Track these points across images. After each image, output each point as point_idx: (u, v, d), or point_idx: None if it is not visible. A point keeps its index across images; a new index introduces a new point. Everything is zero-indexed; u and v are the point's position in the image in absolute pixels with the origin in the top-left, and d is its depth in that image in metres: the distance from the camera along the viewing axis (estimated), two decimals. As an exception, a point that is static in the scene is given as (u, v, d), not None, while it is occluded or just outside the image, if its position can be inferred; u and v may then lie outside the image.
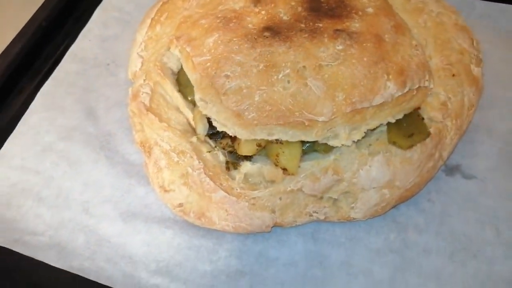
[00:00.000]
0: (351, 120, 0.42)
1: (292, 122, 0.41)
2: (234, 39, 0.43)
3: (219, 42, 0.43)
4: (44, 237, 0.45)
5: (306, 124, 0.41)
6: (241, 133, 0.42)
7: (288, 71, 0.42)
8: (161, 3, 0.55)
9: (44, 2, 0.58)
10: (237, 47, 0.42)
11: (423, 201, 0.48)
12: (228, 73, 0.42)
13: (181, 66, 0.51)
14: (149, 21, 0.54)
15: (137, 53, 0.53)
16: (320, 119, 0.41)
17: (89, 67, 0.57)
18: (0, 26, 0.62)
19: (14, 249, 0.44)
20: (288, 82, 0.41)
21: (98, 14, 0.61)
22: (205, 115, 0.47)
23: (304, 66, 0.42)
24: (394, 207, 0.46)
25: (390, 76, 0.43)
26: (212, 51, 0.43)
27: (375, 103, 0.42)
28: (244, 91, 0.41)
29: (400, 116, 0.44)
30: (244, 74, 0.41)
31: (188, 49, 0.44)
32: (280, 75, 0.41)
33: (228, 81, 0.41)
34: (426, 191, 0.48)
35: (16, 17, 0.62)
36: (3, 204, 0.47)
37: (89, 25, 0.60)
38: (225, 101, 0.42)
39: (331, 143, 0.43)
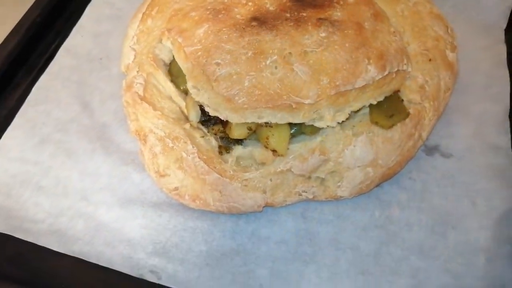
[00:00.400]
0: (335, 102, 0.45)
1: (280, 105, 0.43)
2: (223, 29, 0.45)
3: (209, 32, 0.45)
4: (44, 224, 0.47)
5: (294, 106, 0.44)
6: (232, 117, 0.45)
7: (275, 57, 0.44)
8: (151, -2, 0.57)
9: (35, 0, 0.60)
10: (226, 36, 0.45)
11: (405, 180, 0.51)
12: (219, 61, 0.44)
13: (173, 57, 0.53)
14: (140, 15, 0.56)
15: (130, 46, 0.55)
16: (307, 101, 0.44)
17: (82, 62, 0.59)
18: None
19: (15, 235, 0.45)
20: (276, 68, 0.44)
21: (90, 10, 0.63)
22: (197, 102, 0.49)
23: (290, 53, 0.44)
24: (378, 185, 0.49)
25: (371, 61, 0.46)
26: (203, 41, 0.45)
27: (357, 86, 0.45)
28: (234, 77, 0.43)
29: (381, 98, 0.47)
30: (234, 61, 0.44)
31: (179, 40, 0.46)
32: (268, 61, 0.44)
33: (219, 68, 0.44)
34: (407, 170, 0.51)
35: (10, 14, 0.63)
36: (3, 194, 0.49)
37: (81, 21, 0.61)
38: (216, 87, 0.44)
39: (317, 124, 0.46)
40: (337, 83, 0.44)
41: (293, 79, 0.44)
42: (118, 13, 0.63)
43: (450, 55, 0.55)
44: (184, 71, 0.47)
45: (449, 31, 0.56)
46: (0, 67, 0.55)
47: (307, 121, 0.45)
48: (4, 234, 0.45)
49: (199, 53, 0.45)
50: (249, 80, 0.44)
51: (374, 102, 0.47)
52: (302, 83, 0.44)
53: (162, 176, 0.48)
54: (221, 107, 0.45)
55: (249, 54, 0.44)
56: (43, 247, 0.45)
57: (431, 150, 0.53)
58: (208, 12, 0.47)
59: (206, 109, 0.46)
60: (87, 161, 0.51)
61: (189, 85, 0.46)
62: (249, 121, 0.45)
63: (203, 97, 0.46)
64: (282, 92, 0.43)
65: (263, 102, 0.43)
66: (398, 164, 0.49)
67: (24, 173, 0.50)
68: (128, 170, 0.50)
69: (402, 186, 0.50)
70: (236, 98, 0.44)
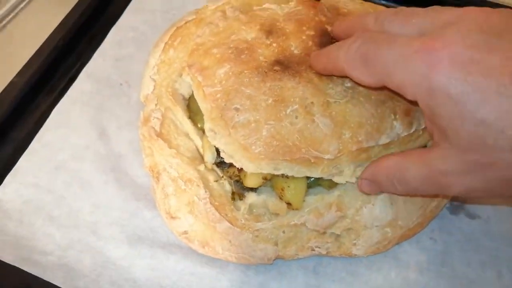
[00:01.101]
0: (356, 158, 0.43)
1: (298, 158, 0.41)
2: (245, 71, 0.44)
3: (230, 73, 0.44)
4: (53, 256, 0.47)
5: (312, 161, 0.42)
6: (248, 166, 0.43)
7: (296, 106, 0.42)
8: (175, 28, 0.56)
9: (61, 21, 0.59)
10: (247, 79, 0.43)
11: (425, 239, 0.48)
12: (238, 106, 0.42)
13: (192, 93, 0.52)
14: (162, 45, 0.55)
15: (150, 76, 0.54)
16: (326, 156, 0.41)
17: (102, 86, 0.58)
18: (18, 44, 0.63)
19: (23, 268, 0.45)
20: (296, 117, 0.42)
21: (113, 33, 0.62)
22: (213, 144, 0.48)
23: (312, 102, 0.42)
24: (396, 244, 0.47)
25: (397, 116, 0.43)
26: (223, 82, 0.44)
27: (381, 143, 0.42)
28: (253, 125, 0.42)
29: None
30: (253, 108, 0.42)
31: (199, 78, 0.45)
32: (288, 110, 0.42)
33: (237, 114, 0.42)
34: (429, 228, 0.48)
35: (34, 35, 0.64)
36: (15, 220, 0.49)
37: (104, 44, 0.61)
38: (234, 134, 0.42)
39: (335, 179, 0.44)
40: (360, 138, 0.42)
41: (314, 131, 0.42)
42: (141, 37, 0.62)
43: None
44: (203, 111, 0.46)
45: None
46: (22, 90, 0.55)
47: (325, 176, 0.43)
48: (12, 266, 0.45)
49: (219, 95, 0.43)
50: (267, 130, 0.42)
51: None
52: (323, 136, 0.42)
53: (173, 218, 0.47)
54: (237, 155, 0.43)
55: (270, 101, 0.42)
56: (49, 282, 0.45)
57: (456, 208, 0.50)
58: (230, 51, 0.45)
59: (222, 154, 0.44)
60: (100, 193, 0.51)
61: (207, 127, 0.45)
62: (265, 172, 0.43)
63: (219, 142, 0.44)
64: (301, 145, 0.41)
65: (280, 154, 0.41)
66: (419, 225, 0.46)
67: (37, 200, 0.50)
68: (139, 206, 0.50)
69: (422, 246, 0.48)
70: (253, 147, 0.42)
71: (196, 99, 0.46)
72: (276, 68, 0.44)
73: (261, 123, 0.42)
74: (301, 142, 0.41)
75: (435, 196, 0.46)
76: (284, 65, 0.44)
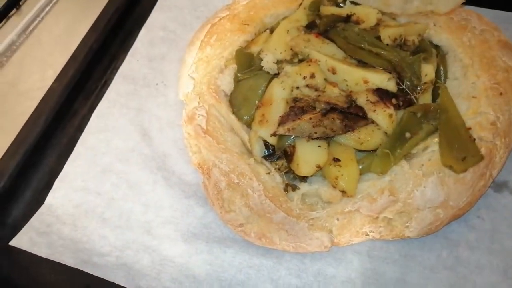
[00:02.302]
0: None
1: None
2: None
3: None
4: (111, 257, 0.47)
5: None
6: None
7: None
8: (209, 25, 0.56)
9: (93, 24, 0.59)
10: None
11: (473, 218, 0.49)
12: None
13: (234, 88, 0.52)
14: (198, 43, 0.56)
15: (188, 75, 0.54)
16: None
17: (139, 87, 0.58)
18: (46, 49, 0.63)
19: (85, 270, 0.45)
20: None
21: (143, 34, 0.62)
22: (261, 137, 0.49)
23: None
24: (446, 224, 0.48)
25: None
26: None
27: None
28: None
29: None
30: None
31: None
32: None
33: None
34: (475, 207, 0.49)
35: (60, 39, 0.64)
36: (69, 224, 0.49)
37: (136, 44, 0.61)
38: None
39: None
40: None
41: None
42: (171, 36, 0.62)
43: (521, 87, 0.52)
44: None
45: (518, 59, 0.54)
46: (61, 95, 0.55)
47: None
48: (74, 269, 0.46)
49: None
50: None
51: None
52: None
53: (227, 212, 0.47)
54: None
55: None
56: (111, 282, 0.45)
57: (500, 186, 0.51)
58: None
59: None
60: (149, 193, 0.51)
61: None
62: None
63: None
64: None
65: None
66: (469, 204, 0.47)
67: (88, 203, 0.51)
68: (190, 204, 0.50)
69: (471, 225, 0.49)
70: None
71: None
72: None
73: None
74: None
75: (482, 175, 0.47)
76: None
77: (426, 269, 0.46)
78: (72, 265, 0.46)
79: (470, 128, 0.48)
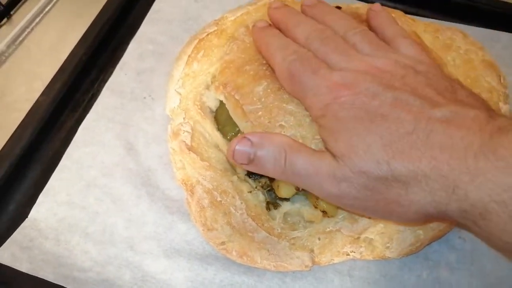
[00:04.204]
0: None
1: None
2: (283, 88, 0.44)
3: (269, 90, 0.44)
4: (93, 272, 0.47)
5: None
6: None
7: None
8: (197, 40, 0.56)
9: (82, 35, 0.60)
10: (287, 96, 0.44)
11: (454, 238, 0.50)
12: (282, 123, 0.43)
13: (219, 105, 0.53)
14: (185, 57, 0.56)
15: (175, 90, 0.55)
16: None
17: (126, 100, 0.58)
18: (36, 60, 0.63)
19: (66, 286, 0.46)
20: None
21: (132, 47, 0.62)
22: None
23: None
24: (427, 245, 0.48)
25: None
26: (263, 99, 0.44)
27: None
28: (300, 141, 0.42)
29: None
30: (298, 124, 0.43)
31: (237, 97, 0.45)
32: None
33: (284, 131, 0.43)
34: (457, 228, 0.50)
35: (50, 50, 0.64)
36: (52, 239, 0.49)
37: (125, 58, 0.61)
38: None
39: None
40: None
41: None
42: (160, 49, 0.63)
43: (503, 108, 0.53)
44: (242, 128, 0.46)
45: (501, 80, 0.55)
46: (47, 108, 0.55)
47: None
48: (55, 284, 0.46)
49: (260, 112, 0.44)
50: (315, 144, 0.42)
51: None
52: None
53: (210, 230, 0.48)
54: None
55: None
56: (92, 298, 0.45)
57: (481, 207, 0.51)
58: (264, 68, 0.46)
59: None
60: (133, 207, 0.51)
61: None
62: None
63: None
64: None
65: None
66: (449, 226, 0.48)
67: (72, 217, 0.51)
68: (173, 220, 0.51)
69: (452, 245, 0.49)
70: None
71: (234, 117, 0.47)
72: None
73: (308, 138, 0.42)
74: None
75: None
76: None
77: (406, 289, 0.47)
78: (53, 280, 0.46)
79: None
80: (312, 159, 0.39)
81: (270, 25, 0.49)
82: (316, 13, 0.48)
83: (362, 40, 0.43)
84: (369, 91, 0.37)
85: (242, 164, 0.40)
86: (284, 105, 0.43)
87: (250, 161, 0.40)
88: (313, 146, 0.42)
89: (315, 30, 0.44)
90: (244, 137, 0.40)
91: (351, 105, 0.37)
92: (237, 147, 0.40)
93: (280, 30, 0.48)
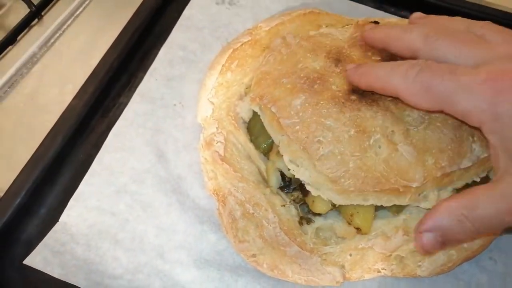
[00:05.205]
0: (440, 183, 0.44)
1: (388, 189, 0.42)
2: (321, 102, 0.44)
3: (307, 104, 0.44)
4: (123, 280, 0.48)
5: (401, 190, 0.42)
6: (336, 199, 0.43)
7: (378, 136, 0.43)
8: (231, 50, 0.56)
9: (114, 41, 0.60)
10: (325, 110, 0.43)
11: (485, 259, 0.49)
12: (321, 139, 0.43)
13: (252, 115, 0.53)
14: (219, 67, 0.56)
15: (208, 99, 0.55)
16: (414, 185, 0.42)
17: (156, 107, 0.58)
18: (67, 63, 0.63)
19: (97, 293, 0.46)
20: (379, 147, 0.43)
21: (163, 53, 0.62)
22: (278, 168, 0.49)
23: (392, 131, 0.43)
24: (458, 265, 0.48)
25: (475, 138, 0.44)
26: (300, 114, 0.44)
27: (463, 166, 0.43)
28: (339, 157, 0.42)
29: (484, 174, 0.45)
30: (337, 140, 0.42)
31: (273, 110, 0.45)
32: (371, 141, 0.43)
33: (322, 147, 0.42)
34: (488, 249, 0.49)
35: (81, 53, 0.64)
36: (83, 244, 0.49)
37: (155, 64, 0.61)
38: (320, 166, 0.42)
39: (422, 205, 0.44)
40: (443, 164, 0.43)
41: (398, 160, 0.42)
42: (191, 56, 0.63)
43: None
44: (276, 141, 0.46)
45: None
46: (79, 112, 0.55)
47: (412, 203, 0.44)
48: (87, 290, 0.46)
49: (298, 127, 0.44)
50: (353, 161, 0.42)
51: (478, 179, 0.45)
52: (408, 165, 0.42)
53: (241, 241, 0.48)
54: (324, 187, 0.43)
55: (352, 132, 0.43)
56: (123, 306, 0.45)
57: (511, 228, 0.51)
58: (302, 81, 0.46)
59: (307, 187, 0.44)
60: (163, 216, 0.51)
61: (286, 158, 0.45)
62: (355, 203, 0.43)
63: (303, 175, 0.44)
64: (389, 175, 0.42)
65: (370, 185, 0.42)
66: (482, 247, 0.47)
67: (101, 223, 0.51)
68: (204, 229, 0.51)
69: (482, 266, 0.49)
70: (342, 180, 0.42)
71: (268, 130, 0.47)
72: (353, 97, 0.44)
73: (347, 155, 0.42)
74: (388, 173, 0.42)
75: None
76: (360, 94, 0.44)
77: (436, 309, 0.47)
78: (84, 287, 0.46)
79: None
80: (492, 199, 0.34)
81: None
82: (428, 22, 0.43)
83: (491, 30, 0.38)
84: None
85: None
86: (323, 120, 0.43)
87: (442, 245, 0.37)
88: (351, 164, 0.42)
89: (436, 28, 0.39)
90: (420, 238, 0.37)
91: None
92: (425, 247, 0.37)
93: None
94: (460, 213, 0.35)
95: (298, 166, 0.44)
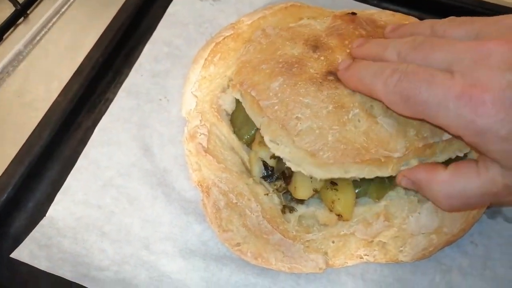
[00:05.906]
0: (422, 153, 0.44)
1: (368, 159, 0.42)
2: (300, 83, 0.45)
3: (285, 86, 0.45)
4: (110, 272, 0.48)
5: (383, 160, 0.43)
6: (316, 173, 0.44)
7: (357, 110, 0.43)
8: (213, 44, 0.57)
9: (99, 38, 0.60)
10: (303, 90, 0.44)
11: (466, 243, 0.50)
12: (299, 115, 0.43)
13: (235, 108, 0.53)
14: (202, 61, 0.56)
15: (191, 92, 0.55)
16: (395, 155, 0.43)
17: (142, 102, 0.59)
18: (53, 60, 0.64)
19: (83, 284, 0.46)
20: (359, 121, 0.43)
21: (148, 49, 0.63)
22: (260, 158, 0.50)
23: (371, 105, 0.44)
24: (440, 250, 0.49)
25: None
26: (279, 94, 0.45)
27: (445, 138, 0.44)
28: (317, 131, 0.43)
29: (467, 150, 0.46)
30: (315, 115, 0.43)
31: (253, 93, 0.46)
32: (350, 115, 0.43)
33: (300, 123, 0.43)
34: (469, 233, 0.50)
35: (68, 50, 0.65)
36: (70, 237, 0.50)
37: (140, 60, 0.62)
38: (298, 141, 0.43)
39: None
40: (425, 135, 0.43)
41: (379, 132, 0.43)
42: (175, 52, 0.63)
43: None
44: (257, 125, 0.47)
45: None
46: (66, 108, 0.56)
47: (394, 173, 0.44)
48: (73, 282, 0.46)
49: (276, 107, 0.44)
50: (332, 134, 0.43)
51: (461, 154, 0.46)
52: (389, 136, 0.43)
53: (225, 231, 0.48)
54: (304, 162, 0.44)
55: (330, 108, 0.43)
56: (110, 297, 0.46)
57: (493, 213, 0.52)
58: (280, 66, 0.47)
59: (288, 164, 0.45)
60: (149, 208, 0.52)
61: (266, 139, 0.46)
62: (335, 176, 0.44)
63: (283, 152, 0.45)
64: (370, 146, 0.42)
65: (350, 157, 0.42)
66: (463, 231, 0.48)
67: (88, 217, 0.52)
68: (189, 220, 0.51)
69: (464, 250, 0.50)
70: (321, 153, 0.43)
71: (249, 114, 0.48)
72: (330, 77, 0.45)
73: (325, 129, 0.43)
74: (369, 144, 0.43)
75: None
76: (336, 75, 0.45)
77: (419, 293, 0.47)
78: (70, 279, 0.47)
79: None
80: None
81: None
82: (400, 33, 0.45)
83: (451, 27, 0.39)
84: (508, 79, 0.31)
85: None
86: (301, 98, 0.44)
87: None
88: (330, 137, 0.42)
89: (405, 43, 0.40)
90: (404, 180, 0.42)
91: (504, 110, 0.31)
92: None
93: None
94: (448, 190, 0.40)
95: (278, 144, 0.44)
